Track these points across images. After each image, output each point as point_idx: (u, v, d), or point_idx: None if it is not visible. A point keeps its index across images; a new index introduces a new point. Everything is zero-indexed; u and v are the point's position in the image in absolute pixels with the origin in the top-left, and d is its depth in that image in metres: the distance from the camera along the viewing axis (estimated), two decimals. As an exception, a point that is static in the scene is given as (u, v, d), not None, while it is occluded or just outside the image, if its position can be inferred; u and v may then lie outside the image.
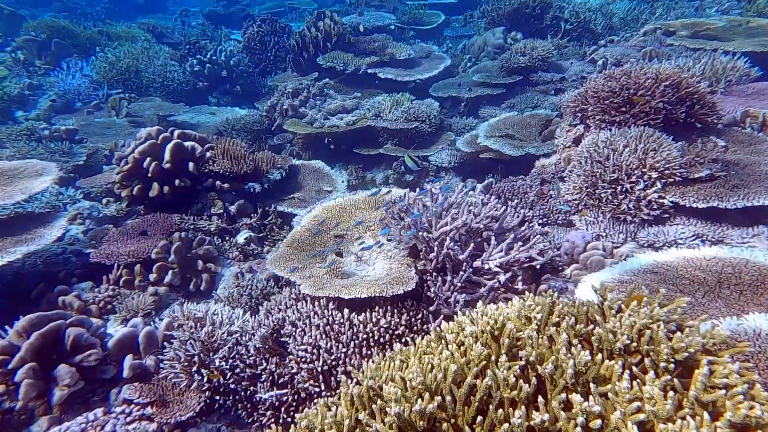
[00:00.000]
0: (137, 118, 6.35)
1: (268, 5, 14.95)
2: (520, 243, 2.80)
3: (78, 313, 2.84)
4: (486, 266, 2.74)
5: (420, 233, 2.78)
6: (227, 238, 3.77)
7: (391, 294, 2.51)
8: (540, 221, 3.51)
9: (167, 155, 3.70)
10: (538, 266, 2.79)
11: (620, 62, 5.49)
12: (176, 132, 3.96)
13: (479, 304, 2.17)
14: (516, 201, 3.46)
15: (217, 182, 3.95)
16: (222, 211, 3.89)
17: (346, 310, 2.53)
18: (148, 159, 3.69)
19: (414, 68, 7.43)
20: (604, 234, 3.17)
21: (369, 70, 7.04)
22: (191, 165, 3.82)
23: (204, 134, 4.29)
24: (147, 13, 14.91)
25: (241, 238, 3.72)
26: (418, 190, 3.29)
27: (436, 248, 2.75)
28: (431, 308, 2.65)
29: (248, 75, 8.33)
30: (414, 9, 10.94)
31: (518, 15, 7.53)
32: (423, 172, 5.18)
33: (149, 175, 3.68)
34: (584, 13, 7.16)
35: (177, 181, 3.75)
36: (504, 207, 3.03)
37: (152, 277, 3.13)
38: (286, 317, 2.51)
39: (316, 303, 2.57)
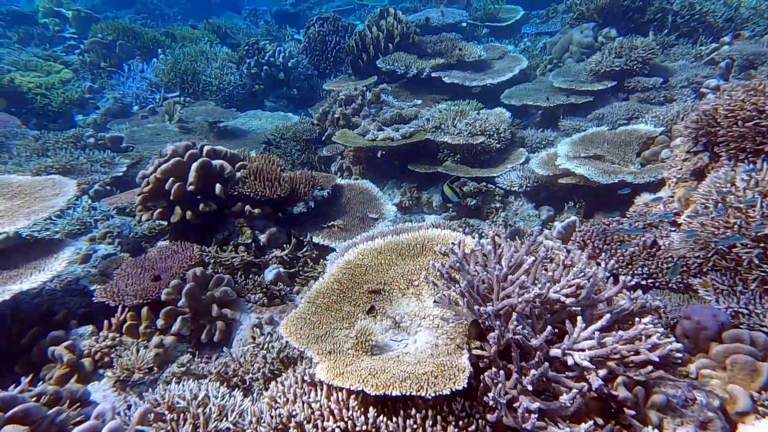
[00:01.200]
0: (188, 124, 6.13)
1: (337, 3, 14.64)
2: (620, 332, 1.99)
3: (68, 368, 2.44)
4: (569, 359, 1.97)
5: (475, 306, 2.06)
6: (252, 274, 3.26)
7: (432, 395, 1.83)
8: (643, 280, 2.64)
9: (191, 176, 3.26)
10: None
11: (753, 64, 4.34)
12: (205, 149, 3.52)
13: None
14: (609, 253, 2.61)
15: (247, 207, 3.47)
16: (250, 240, 3.40)
17: (371, 411, 1.88)
18: (171, 180, 3.27)
19: (484, 71, 6.60)
20: (746, 312, 2.26)
21: (433, 74, 6.32)
22: (218, 187, 3.36)
23: (238, 150, 3.83)
24: (221, 13, 15.16)
25: (269, 275, 3.20)
26: (476, 236, 2.56)
27: (497, 327, 2.03)
28: (490, 417, 1.93)
29: (306, 78, 7.93)
30: (489, 4, 10.02)
31: (613, 8, 6.43)
32: (488, 195, 4.40)
33: (171, 198, 3.26)
34: (700, 3, 5.93)
35: (201, 206, 3.31)
36: (595, 267, 2.23)
37: (160, 323, 2.68)
38: (293, 413, 1.91)
39: (333, 396, 1.95)
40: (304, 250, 3.51)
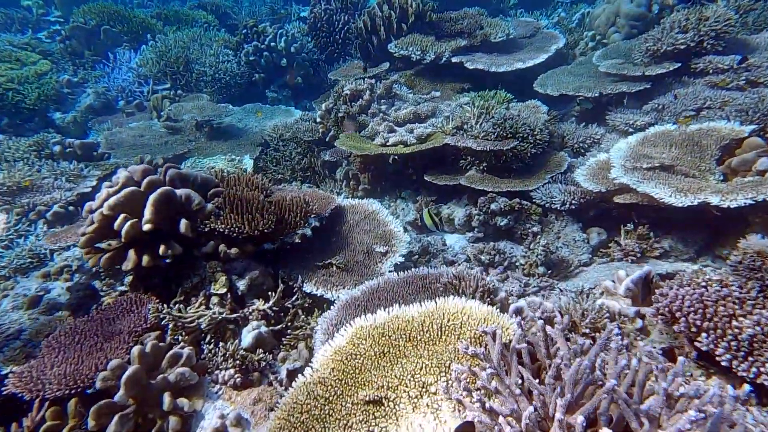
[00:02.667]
0: (176, 122, 5.44)
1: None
2: None
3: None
4: None
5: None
6: (228, 334, 2.59)
7: None
8: None
9: (148, 211, 2.57)
10: None
11: None
12: (169, 174, 2.81)
13: None
14: (714, 333, 1.82)
15: (222, 246, 2.77)
16: (225, 289, 2.71)
17: None
18: (122, 216, 2.58)
19: (513, 53, 5.66)
20: None
21: (454, 59, 5.42)
22: (184, 224, 2.67)
23: (216, 169, 3.12)
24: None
25: (246, 339, 2.52)
26: (516, 319, 1.80)
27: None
28: None
29: (312, 63, 7.10)
30: (516, -30, 8.88)
31: (670, -29, 5.36)
32: (522, 214, 3.59)
33: (123, 239, 2.58)
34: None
35: (162, 248, 2.62)
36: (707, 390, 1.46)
37: (90, 425, 2.03)
38: None
39: None
40: (294, 298, 2.81)
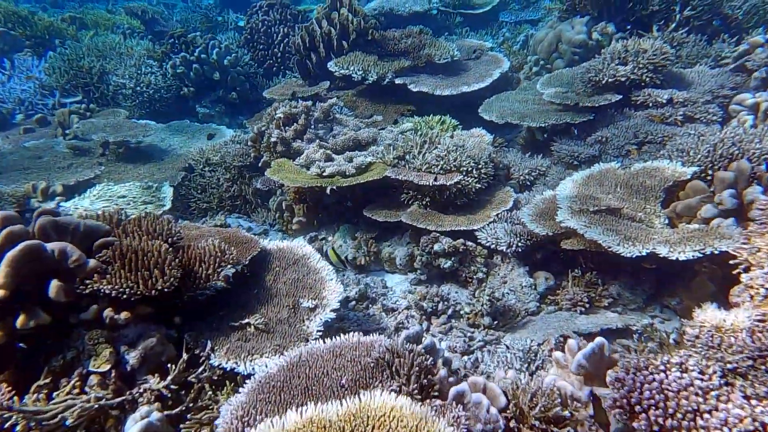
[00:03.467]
0: (84, 142, 4.79)
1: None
2: None
3: None
4: None
5: None
6: (114, 417, 2.10)
7: None
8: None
9: (2, 274, 2.04)
10: None
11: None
12: (41, 221, 2.29)
13: None
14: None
15: (108, 311, 2.28)
16: (110, 365, 2.22)
17: None
18: (-29, 282, 2.04)
19: (459, 74, 5.49)
20: None
21: (397, 80, 5.16)
22: (54, 286, 2.16)
23: (96, 218, 2.60)
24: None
25: None
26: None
27: None
28: None
29: (249, 77, 6.61)
30: (461, -12, 8.86)
31: (609, 0, 5.39)
32: (467, 255, 3.33)
33: (-28, 311, 2.04)
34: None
35: (21, 319, 2.10)
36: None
37: None
38: None
39: None
40: (200, 371, 2.36)
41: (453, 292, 3.28)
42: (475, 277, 3.26)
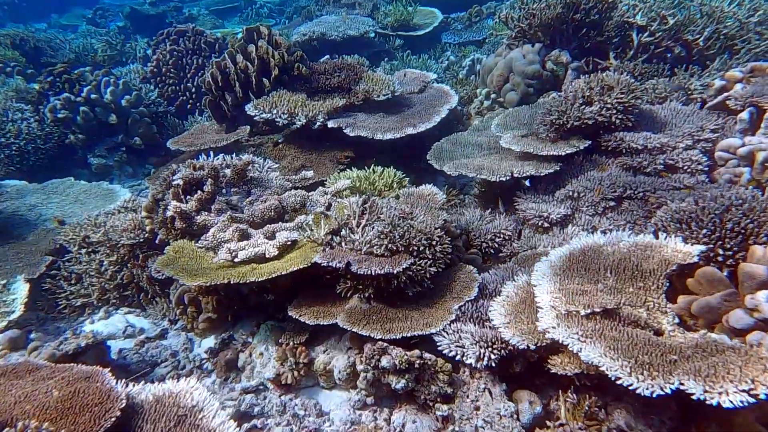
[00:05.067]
0: None
1: (216, -1, 11.98)
2: None
3: None
4: None
5: None
6: None
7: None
8: None
9: None
10: None
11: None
12: None
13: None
14: None
15: None
16: None
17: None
18: None
19: (402, 111, 4.77)
20: None
21: (330, 122, 4.36)
22: None
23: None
24: (66, 11, 11.96)
25: None
26: None
27: None
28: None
29: (157, 117, 5.59)
30: (400, 7, 8.26)
31: (562, 24, 4.88)
32: (425, 371, 2.54)
33: None
34: (672, 15, 4.52)
35: None
36: None
37: None
38: None
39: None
40: None
41: (410, 421, 2.49)
42: (436, 395, 2.48)
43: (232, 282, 2.75)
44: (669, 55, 4.64)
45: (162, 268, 2.91)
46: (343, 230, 3.02)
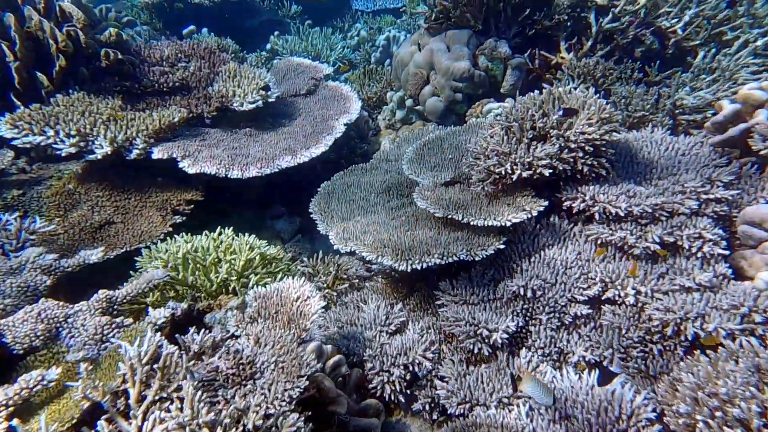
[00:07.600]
0: None
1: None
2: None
3: None
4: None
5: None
6: None
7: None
8: None
9: None
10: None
11: None
12: None
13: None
14: None
15: None
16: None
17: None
18: None
19: (279, 128, 3.27)
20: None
21: (157, 151, 2.75)
22: None
23: None
24: None
25: None
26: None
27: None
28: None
29: None
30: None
31: (499, 2, 3.54)
32: None
33: None
34: None
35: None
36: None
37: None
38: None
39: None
40: None
41: None
42: None
43: None
44: (637, 48, 3.51)
45: None
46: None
